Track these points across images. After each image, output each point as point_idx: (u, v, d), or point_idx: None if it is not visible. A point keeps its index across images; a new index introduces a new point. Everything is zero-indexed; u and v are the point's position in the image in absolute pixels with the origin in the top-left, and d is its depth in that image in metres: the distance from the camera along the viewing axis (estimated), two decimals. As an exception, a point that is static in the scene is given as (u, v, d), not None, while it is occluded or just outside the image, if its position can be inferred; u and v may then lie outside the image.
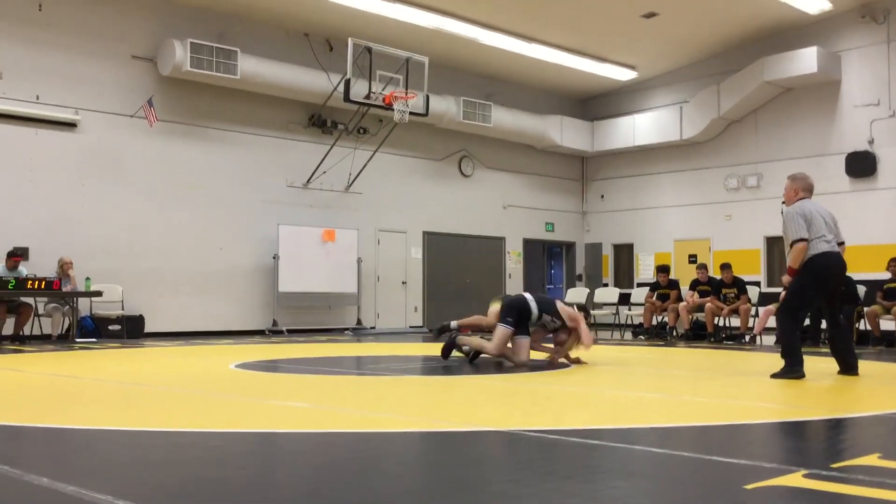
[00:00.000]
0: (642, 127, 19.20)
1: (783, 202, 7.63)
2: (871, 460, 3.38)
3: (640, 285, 18.17)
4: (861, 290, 12.28)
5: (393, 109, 14.17)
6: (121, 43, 13.72)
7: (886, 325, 12.17)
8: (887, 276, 12.23)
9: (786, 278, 7.18)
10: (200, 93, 14.48)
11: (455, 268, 18.24)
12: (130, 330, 13.19)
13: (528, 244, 20.07)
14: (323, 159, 15.66)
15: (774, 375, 6.98)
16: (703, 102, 18.09)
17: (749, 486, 2.88)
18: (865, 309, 11.90)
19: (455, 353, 8.53)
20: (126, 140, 13.74)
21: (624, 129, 19.54)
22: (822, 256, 7.04)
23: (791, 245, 7.03)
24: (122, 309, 13.28)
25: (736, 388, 6.55)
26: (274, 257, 15.04)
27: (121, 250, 13.56)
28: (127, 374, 7.39)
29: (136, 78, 13.85)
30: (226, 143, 14.91)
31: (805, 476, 3.04)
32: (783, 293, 7.46)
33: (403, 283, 17.48)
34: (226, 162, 14.88)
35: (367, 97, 14.13)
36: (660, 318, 14.49)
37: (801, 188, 7.35)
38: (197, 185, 14.49)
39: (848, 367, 7.24)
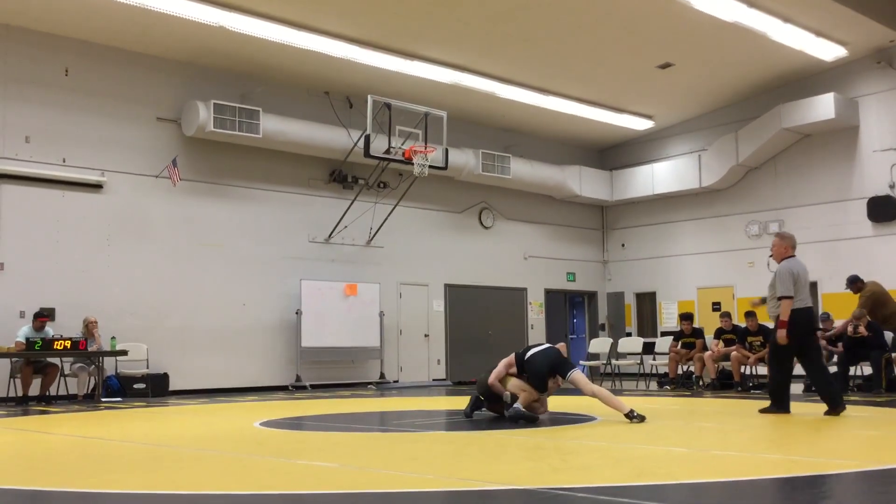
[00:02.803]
0: (661, 175, 19.26)
1: (770, 256, 8.69)
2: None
3: (664, 334, 18.03)
4: (889, 336, 12.15)
5: (412, 163, 14.32)
6: (146, 105, 14.00)
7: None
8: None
9: (781, 333, 8.07)
10: (223, 152, 14.70)
11: (477, 320, 18.21)
12: (155, 388, 13.24)
13: (550, 294, 20.03)
14: (344, 214, 15.80)
15: (763, 410, 8.37)
16: (721, 150, 18.14)
17: (782, 546, 2.84)
18: (894, 355, 11.75)
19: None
20: (151, 200, 13.94)
21: (643, 178, 19.60)
22: (804, 312, 8.15)
23: (778, 299, 8.08)
24: (147, 367, 13.34)
25: (766, 441, 6.47)
26: (297, 313, 15.10)
27: (145, 309, 13.68)
28: (153, 435, 7.40)
29: (161, 139, 14.10)
30: (248, 200, 15.09)
31: (839, 534, 3.00)
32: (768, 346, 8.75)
33: (426, 335, 17.47)
34: (248, 219, 15.05)
35: (387, 152, 14.30)
36: (685, 368, 14.36)
37: (790, 245, 8.39)
38: (220, 243, 14.64)
39: (834, 405, 8.02)
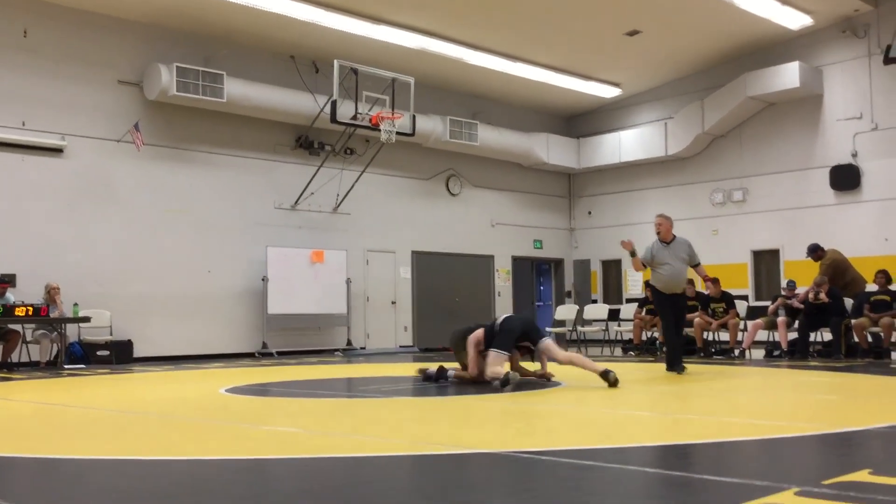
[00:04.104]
0: (628, 143, 19.32)
1: (658, 233, 9.60)
2: (863, 476, 3.40)
3: (629, 301, 18.21)
4: (848, 303, 12.34)
5: (380, 130, 14.23)
6: (107, 68, 13.73)
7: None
8: (874, 288, 12.30)
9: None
10: (187, 116, 14.49)
11: (444, 287, 18.24)
12: (119, 355, 13.12)
13: (517, 262, 20.10)
14: (310, 181, 15.68)
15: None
16: (687, 118, 18.22)
17: (741, 506, 2.89)
18: (853, 321, 11.96)
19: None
20: (113, 165, 13.73)
21: (609, 146, 19.65)
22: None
23: (695, 266, 9.63)
24: (111, 334, 13.22)
25: (725, 404, 6.57)
26: (263, 279, 15.01)
27: (108, 275, 13.51)
28: (116, 402, 7.35)
29: (123, 103, 13.85)
30: (213, 166, 14.91)
31: (797, 494, 3.06)
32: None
33: (393, 302, 17.47)
34: (213, 185, 14.88)
35: (354, 118, 14.18)
36: (649, 334, 14.51)
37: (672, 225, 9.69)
38: (185, 209, 14.47)
39: (671, 365, 9.56)
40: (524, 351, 8.22)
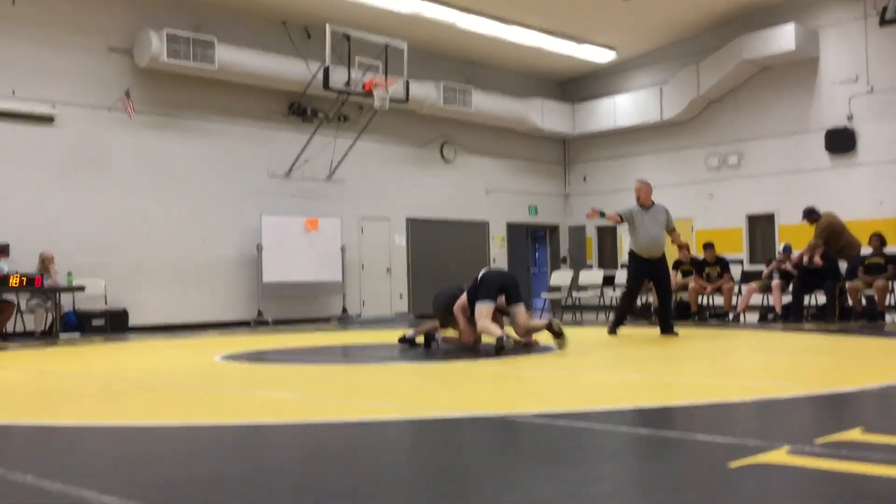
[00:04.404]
0: (623, 108, 19.23)
1: (638, 198, 9.82)
2: (855, 435, 3.41)
3: (623, 266, 18.20)
4: (843, 266, 12.36)
5: (373, 96, 14.13)
6: (96, 35, 13.58)
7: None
8: (869, 251, 12.32)
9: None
10: (178, 84, 14.36)
11: (439, 254, 18.23)
12: (114, 324, 13.13)
13: (512, 228, 20.08)
14: (304, 148, 15.60)
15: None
16: (682, 82, 18.12)
17: (734, 465, 2.90)
18: (847, 284, 11.98)
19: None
20: (105, 133, 13.63)
21: (604, 111, 19.56)
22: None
23: (672, 231, 9.82)
24: (106, 303, 13.21)
25: (719, 367, 6.60)
26: (257, 248, 14.98)
27: (103, 244, 13.48)
28: (112, 370, 7.35)
29: (113, 70, 13.72)
30: (205, 133, 14.81)
31: (789, 452, 3.07)
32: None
33: (388, 270, 17.47)
34: (206, 153, 14.79)
35: (347, 84, 14.08)
36: (644, 299, 14.53)
37: (651, 191, 9.89)
38: (178, 177, 14.40)
39: (668, 329, 9.72)
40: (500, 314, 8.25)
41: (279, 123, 15.77)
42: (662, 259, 9.83)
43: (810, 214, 13.00)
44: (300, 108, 15.79)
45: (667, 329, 9.75)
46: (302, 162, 15.74)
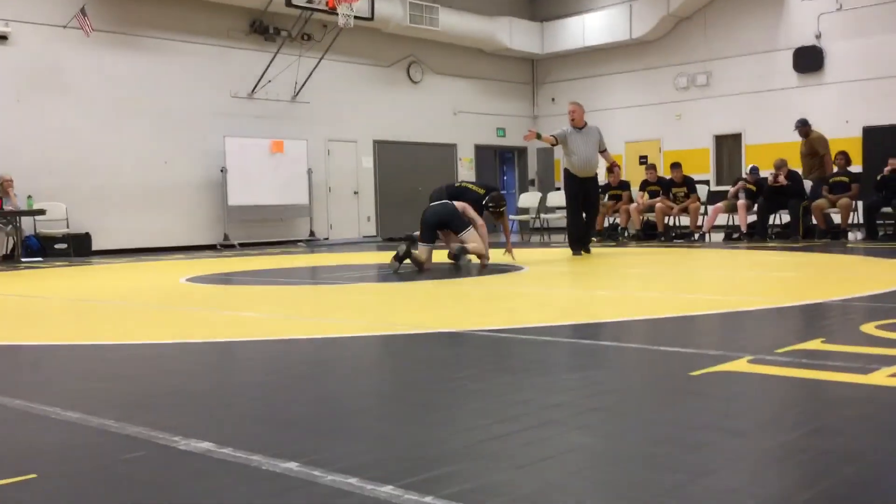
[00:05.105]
0: (592, 27, 18.99)
1: (571, 119, 10.01)
2: (815, 345, 3.47)
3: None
4: (807, 184, 12.46)
5: (337, 13, 13.81)
6: (47, -51, 13.08)
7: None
8: (834, 170, 12.41)
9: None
10: (136, 1, 13.92)
11: (407, 176, 18.12)
12: (77, 248, 12.97)
13: (480, 150, 19.97)
14: (267, 68, 15.27)
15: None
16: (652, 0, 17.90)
17: (695, 373, 2.94)
18: (812, 203, 12.09)
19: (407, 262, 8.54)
20: (61, 52, 13.23)
21: (573, 30, 19.31)
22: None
23: (604, 152, 10.09)
24: (68, 227, 13.03)
25: (684, 283, 6.67)
26: (222, 170, 14.78)
27: (63, 167, 13.21)
28: (75, 291, 7.27)
29: (67, -14, 13.26)
30: (165, 52, 14.43)
31: (750, 361, 3.11)
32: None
33: (355, 192, 17.35)
34: (166, 72, 14.44)
35: (310, 1, 13.72)
36: (611, 220, 14.60)
37: (584, 112, 10.13)
38: (137, 97, 14.08)
39: (584, 248, 10.12)
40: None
41: (240, 42, 15.40)
42: (594, 179, 10.20)
43: (804, 125, 12.94)
44: (262, 26, 15.41)
45: (583, 246, 10.17)
46: (265, 82, 15.43)
